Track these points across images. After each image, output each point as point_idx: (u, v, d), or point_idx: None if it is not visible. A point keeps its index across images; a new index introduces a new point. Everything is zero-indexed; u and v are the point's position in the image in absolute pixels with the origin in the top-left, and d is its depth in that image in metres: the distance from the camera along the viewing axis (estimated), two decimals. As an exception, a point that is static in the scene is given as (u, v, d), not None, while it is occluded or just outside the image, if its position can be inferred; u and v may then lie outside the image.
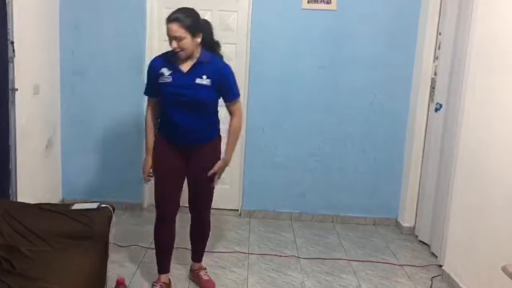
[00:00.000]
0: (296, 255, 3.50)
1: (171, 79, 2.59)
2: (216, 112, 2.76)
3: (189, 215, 2.90)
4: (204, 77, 2.59)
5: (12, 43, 3.11)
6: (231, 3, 3.97)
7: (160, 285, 2.84)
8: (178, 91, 2.58)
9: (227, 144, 2.75)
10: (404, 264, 3.43)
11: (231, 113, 2.74)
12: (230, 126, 2.75)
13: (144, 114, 2.84)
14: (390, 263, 3.44)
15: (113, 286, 2.64)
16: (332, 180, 4.11)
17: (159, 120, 2.75)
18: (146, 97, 2.82)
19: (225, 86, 2.66)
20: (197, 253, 3.04)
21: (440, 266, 3.31)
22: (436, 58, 3.70)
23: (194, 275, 3.03)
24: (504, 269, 1.89)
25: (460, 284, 3.02)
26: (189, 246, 3.06)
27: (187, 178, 2.80)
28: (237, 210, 4.21)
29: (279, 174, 4.12)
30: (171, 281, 2.93)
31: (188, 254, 3.12)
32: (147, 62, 3.69)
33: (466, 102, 3.06)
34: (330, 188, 4.13)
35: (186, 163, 2.74)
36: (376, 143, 4.06)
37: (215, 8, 3.93)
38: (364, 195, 4.14)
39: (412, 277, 3.25)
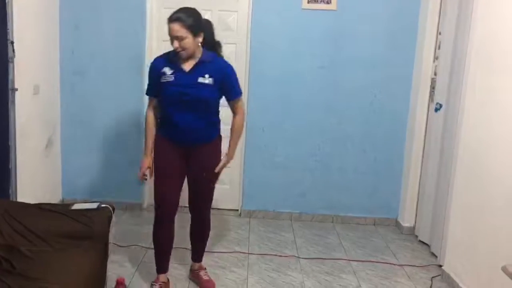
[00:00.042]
0: (296, 255, 3.50)
1: (173, 78, 2.60)
2: (217, 112, 2.77)
3: (189, 215, 2.91)
4: (207, 76, 2.60)
5: (12, 43, 3.11)
6: (231, 3, 3.97)
7: (160, 284, 2.84)
8: (181, 90, 2.58)
9: (230, 140, 2.78)
10: (404, 264, 3.43)
11: (233, 111, 2.77)
12: (233, 123, 2.77)
13: (144, 114, 2.85)
14: (390, 263, 3.44)
15: (113, 286, 2.64)
16: (332, 180, 4.11)
17: (159, 120, 2.75)
18: (146, 97, 2.83)
19: (228, 85, 2.68)
20: (197, 253, 3.04)
21: (440, 266, 3.31)
22: (436, 58, 3.70)
23: (194, 275, 3.03)
24: (504, 269, 1.89)
25: (460, 284, 3.02)
26: (189, 246, 3.06)
27: (187, 177, 2.80)
28: (237, 210, 4.21)
29: (279, 174, 4.12)
30: (170, 280, 2.93)
31: (188, 254, 3.12)
32: (147, 62, 3.72)
33: (466, 102, 3.06)
34: (330, 188, 4.13)
35: (186, 163, 2.74)
36: (376, 143, 4.06)
37: (215, 8, 3.93)
38: (364, 195, 4.14)
39: (412, 277, 3.25)
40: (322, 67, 3.96)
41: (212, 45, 2.71)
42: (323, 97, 4.00)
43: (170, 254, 2.90)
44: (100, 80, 3.98)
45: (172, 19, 2.50)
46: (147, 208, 4.07)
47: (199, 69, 2.60)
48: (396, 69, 3.95)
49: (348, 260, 3.46)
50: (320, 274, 3.23)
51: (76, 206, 2.61)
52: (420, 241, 3.80)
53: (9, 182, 3.21)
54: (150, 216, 2.83)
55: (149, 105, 2.77)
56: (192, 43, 2.53)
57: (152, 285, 2.86)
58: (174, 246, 2.91)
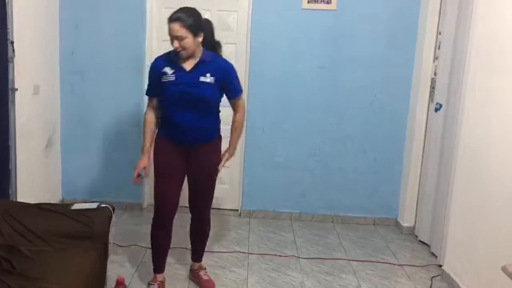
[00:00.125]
0: (296, 255, 3.50)
1: (174, 77, 2.60)
2: (218, 111, 2.77)
3: (189, 215, 2.91)
4: (208, 75, 2.61)
5: (12, 43, 3.11)
6: (231, 3, 3.97)
7: (158, 284, 2.84)
8: (182, 89, 2.58)
9: (232, 136, 2.81)
10: (404, 264, 3.43)
11: (234, 109, 2.80)
12: (234, 120, 2.80)
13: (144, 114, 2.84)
14: (390, 263, 3.44)
15: (113, 286, 2.64)
16: (332, 180, 4.11)
17: (159, 120, 2.75)
18: (145, 97, 2.83)
19: (229, 83, 2.70)
20: (197, 253, 3.04)
21: (440, 266, 3.31)
22: (436, 58, 3.70)
23: (194, 275, 3.03)
24: (504, 269, 1.89)
25: (460, 284, 3.02)
26: (189, 246, 3.07)
27: (187, 177, 2.80)
28: (237, 210, 4.21)
29: (279, 174, 4.12)
30: (166, 279, 2.93)
31: (188, 254, 3.12)
32: (147, 62, 3.72)
33: (466, 102, 3.06)
34: (330, 188, 4.13)
35: (186, 162, 2.74)
36: (376, 143, 4.06)
37: (215, 8, 3.93)
38: (364, 195, 4.14)
39: (412, 277, 3.25)
40: (322, 67, 3.96)
41: (212, 45, 2.71)
42: (323, 97, 4.00)
43: (167, 254, 2.90)
44: (100, 80, 3.98)
45: (172, 19, 2.50)
46: (147, 208, 4.07)
47: (200, 68, 2.61)
48: (396, 69, 3.95)
49: (348, 260, 3.46)
50: (320, 274, 3.23)
51: (76, 206, 2.61)
52: (420, 241, 3.80)
53: (9, 182, 3.21)
54: (150, 216, 2.82)
55: (148, 105, 2.77)
56: (192, 43, 2.53)
57: (149, 284, 2.85)
58: (174, 246, 2.91)
